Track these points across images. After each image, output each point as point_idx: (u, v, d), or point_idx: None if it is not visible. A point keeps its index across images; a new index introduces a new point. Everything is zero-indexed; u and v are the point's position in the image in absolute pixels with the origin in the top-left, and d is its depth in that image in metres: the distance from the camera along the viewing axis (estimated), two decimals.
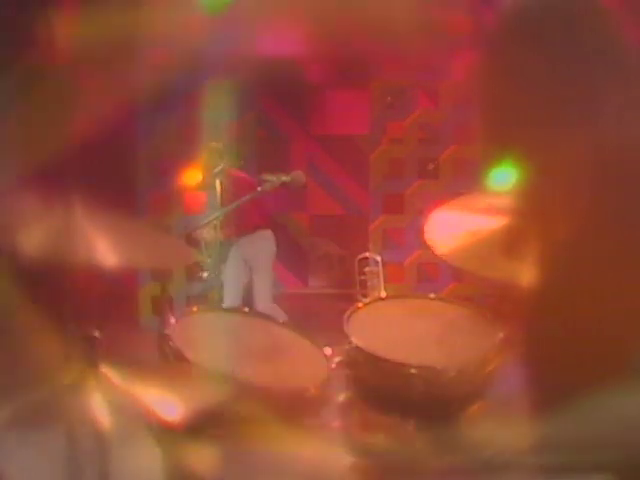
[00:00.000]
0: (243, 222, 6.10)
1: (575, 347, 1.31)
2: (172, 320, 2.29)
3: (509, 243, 1.57)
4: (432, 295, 2.67)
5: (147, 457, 2.15)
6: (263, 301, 6.02)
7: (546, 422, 1.30)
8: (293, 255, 7.63)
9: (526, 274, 1.45)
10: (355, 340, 2.31)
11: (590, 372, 1.29)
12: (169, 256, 2.45)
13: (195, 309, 2.53)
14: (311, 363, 2.35)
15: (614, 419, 1.26)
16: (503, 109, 1.45)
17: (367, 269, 6.61)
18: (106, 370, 2.01)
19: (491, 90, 1.47)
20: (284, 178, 5.71)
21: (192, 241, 4.83)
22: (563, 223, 1.37)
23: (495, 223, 1.91)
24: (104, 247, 2.08)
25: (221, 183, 5.85)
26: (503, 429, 1.39)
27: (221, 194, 5.81)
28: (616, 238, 1.32)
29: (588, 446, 1.25)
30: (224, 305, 5.55)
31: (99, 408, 1.93)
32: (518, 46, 1.40)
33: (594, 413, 1.26)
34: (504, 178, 1.51)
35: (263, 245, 6.26)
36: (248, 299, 6.06)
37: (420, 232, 2.31)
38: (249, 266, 6.23)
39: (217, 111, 7.02)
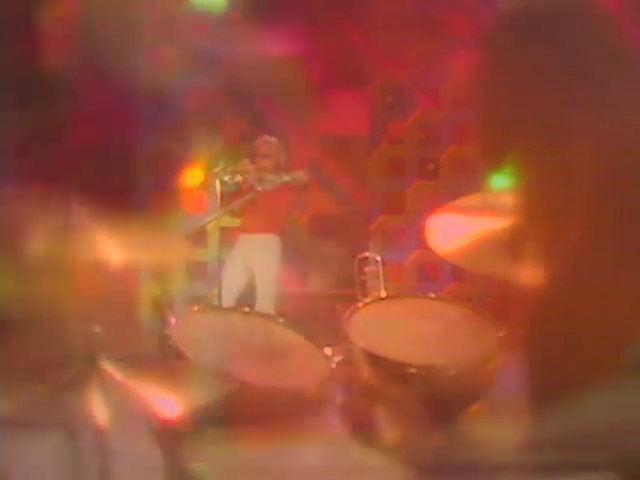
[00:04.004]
0: (255, 219, 6.06)
1: (575, 346, 1.31)
2: (172, 320, 2.29)
3: (511, 243, 1.58)
4: (432, 295, 2.67)
5: (147, 456, 2.15)
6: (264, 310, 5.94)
7: (546, 421, 1.30)
8: (293, 255, 7.63)
9: (526, 273, 1.45)
10: (355, 340, 2.31)
11: (591, 371, 1.29)
12: (170, 254, 2.45)
13: (195, 309, 2.53)
14: (311, 363, 2.35)
15: (614, 417, 1.26)
16: (503, 110, 1.46)
17: (367, 269, 6.60)
18: (106, 369, 2.01)
19: (490, 92, 1.47)
20: (285, 178, 5.71)
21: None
22: (564, 224, 1.37)
23: (497, 223, 1.91)
24: (104, 246, 2.08)
25: (221, 183, 5.83)
26: (503, 429, 1.40)
27: (221, 194, 5.78)
28: (617, 238, 1.33)
29: (588, 444, 1.25)
30: (223, 304, 5.52)
31: (99, 407, 1.93)
32: (517, 48, 1.40)
33: (594, 411, 1.26)
34: (505, 179, 1.52)
35: (269, 252, 6.19)
36: (250, 303, 6.00)
37: (420, 232, 2.31)
38: (250, 270, 6.18)
39: (217, 111, 7.02)
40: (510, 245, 1.57)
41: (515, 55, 1.40)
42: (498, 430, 1.46)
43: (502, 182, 1.55)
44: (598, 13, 1.40)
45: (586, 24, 1.39)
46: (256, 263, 6.13)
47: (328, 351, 2.35)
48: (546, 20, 1.38)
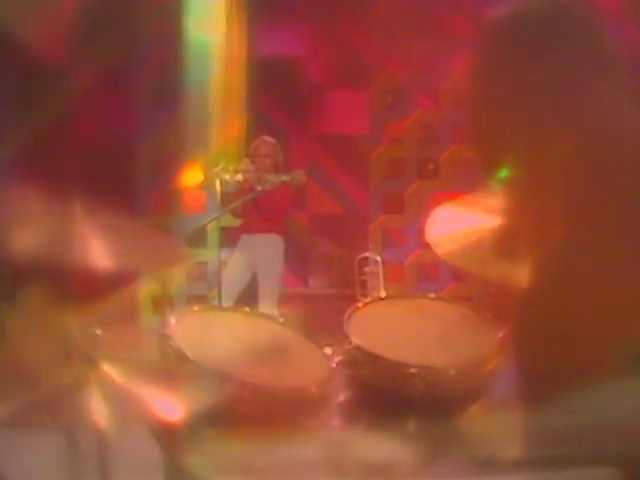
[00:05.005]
0: (256, 219, 6.05)
1: (572, 342, 1.32)
2: (172, 320, 2.29)
3: (503, 243, 1.58)
4: (432, 295, 2.67)
5: (147, 456, 2.15)
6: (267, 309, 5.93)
7: (545, 417, 1.31)
8: (293, 255, 7.63)
9: (521, 273, 1.46)
10: (355, 340, 2.31)
11: (587, 366, 1.30)
12: (169, 257, 2.45)
13: (195, 309, 2.53)
14: (311, 363, 2.35)
15: (613, 413, 1.26)
16: (495, 111, 1.46)
17: (367, 269, 6.61)
18: (106, 369, 2.01)
19: (483, 92, 1.48)
20: (284, 178, 5.72)
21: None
22: (556, 223, 1.38)
23: (494, 222, 1.92)
24: (104, 247, 2.08)
25: (221, 183, 5.83)
26: (503, 425, 1.40)
27: (221, 194, 5.78)
28: (609, 236, 1.33)
29: (588, 439, 1.26)
30: (223, 304, 5.52)
31: (99, 408, 1.93)
32: (509, 50, 1.41)
33: (592, 407, 1.26)
34: (501, 179, 1.52)
35: (271, 251, 6.18)
36: (251, 303, 5.99)
37: (420, 232, 2.32)
38: (252, 270, 6.17)
39: (216, 111, 7.02)
40: (505, 245, 1.58)
41: (509, 59, 1.41)
42: (498, 426, 1.46)
43: (499, 183, 1.55)
44: (591, 16, 1.41)
45: (580, 28, 1.40)
46: (259, 263, 6.13)
47: (328, 351, 2.35)
48: (541, 23, 1.39)
